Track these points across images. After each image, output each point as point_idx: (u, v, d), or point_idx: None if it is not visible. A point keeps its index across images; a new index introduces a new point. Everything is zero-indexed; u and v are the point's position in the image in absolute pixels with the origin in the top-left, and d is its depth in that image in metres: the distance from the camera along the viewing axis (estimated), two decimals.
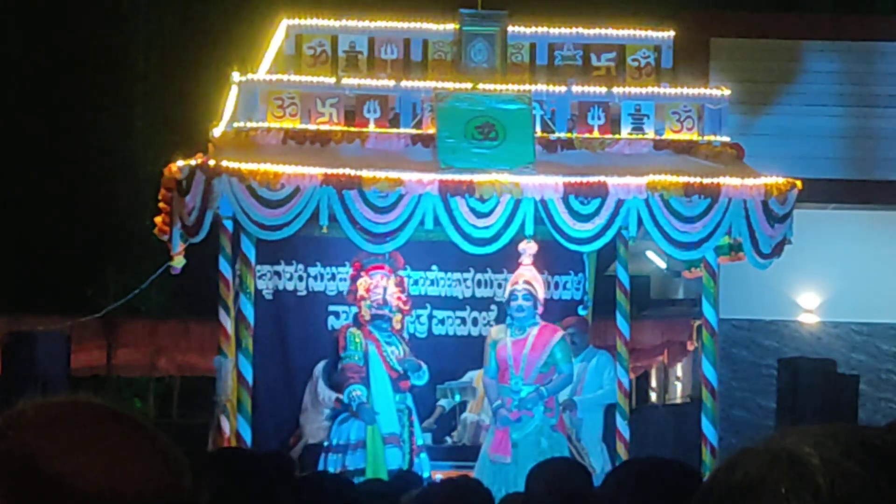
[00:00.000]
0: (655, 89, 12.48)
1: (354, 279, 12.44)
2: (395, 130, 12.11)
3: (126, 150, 26.18)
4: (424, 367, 12.33)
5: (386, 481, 9.44)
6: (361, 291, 12.33)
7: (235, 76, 12.20)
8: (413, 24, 12.46)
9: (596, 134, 12.30)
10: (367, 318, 12.27)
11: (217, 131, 12.54)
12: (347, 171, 11.57)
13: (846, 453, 1.34)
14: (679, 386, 18.53)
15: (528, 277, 12.14)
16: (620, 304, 12.68)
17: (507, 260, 13.17)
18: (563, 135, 12.26)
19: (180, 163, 11.70)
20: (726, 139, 12.47)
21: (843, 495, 1.31)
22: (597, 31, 12.66)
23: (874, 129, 16.38)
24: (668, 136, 12.40)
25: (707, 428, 12.23)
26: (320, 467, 11.83)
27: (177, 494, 1.56)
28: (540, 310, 12.09)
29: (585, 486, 4.65)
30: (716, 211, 11.91)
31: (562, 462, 5.45)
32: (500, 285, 13.63)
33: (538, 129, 12.18)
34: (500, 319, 13.64)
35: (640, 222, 12.02)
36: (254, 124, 12.00)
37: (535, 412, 11.92)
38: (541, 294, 12.14)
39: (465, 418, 13.11)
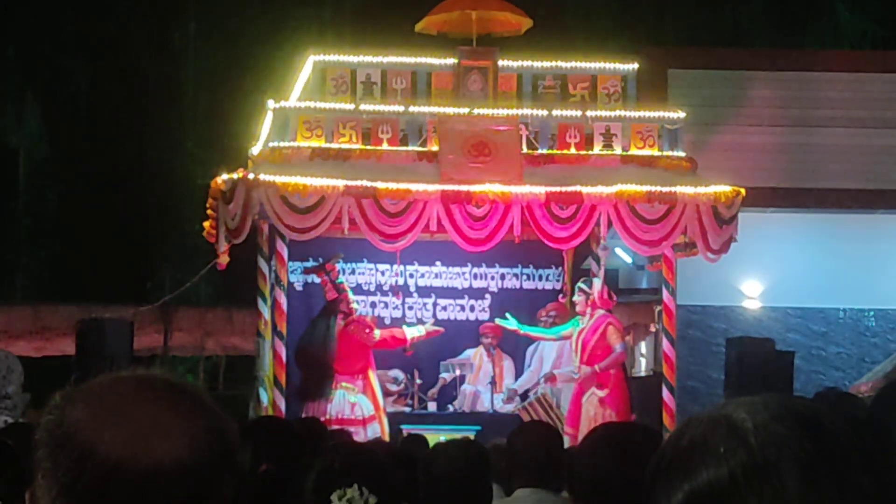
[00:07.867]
0: (623, 112, 12.46)
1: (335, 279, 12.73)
2: (404, 149, 12.10)
3: (179, 166, 26.18)
4: None
5: (395, 445, 9.39)
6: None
7: (270, 103, 12.20)
8: (419, 59, 12.45)
9: (573, 150, 12.29)
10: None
11: (255, 150, 12.54)
12: (364, 183, 11.58)
13: (775, 418, 1.34)
14: (643, 361, 18.52)
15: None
16: None
17: (499, 256, 13.18)
18: (544, 152, 12.25)
19: (224, 176, 11.71)
20: (682, 154, 12.46)
21: (772, 453, 1.32)
22: (573, 63, 12.64)
23: (807, 145, 16.34)
24: (633, 151, 12.39)
25: (667, 396, 12.24)
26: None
27: (220, 457, 1.54)
28: (597, 303, 12.40)
29: (559, 446, 4.71)
30: (673, 215, 11.91)
31: (539, 425, 5.48)
32: (492, 278, 13.63)
33: (524, 147, 12.17)
34: (493, 307, 13.64)
35: (609, 224, 12.04)
36: (286, 144, 11.99)
37: (587, 386, 12.22)
38: (595, 289, 12.39)
39: (464, 389, 13.10)
